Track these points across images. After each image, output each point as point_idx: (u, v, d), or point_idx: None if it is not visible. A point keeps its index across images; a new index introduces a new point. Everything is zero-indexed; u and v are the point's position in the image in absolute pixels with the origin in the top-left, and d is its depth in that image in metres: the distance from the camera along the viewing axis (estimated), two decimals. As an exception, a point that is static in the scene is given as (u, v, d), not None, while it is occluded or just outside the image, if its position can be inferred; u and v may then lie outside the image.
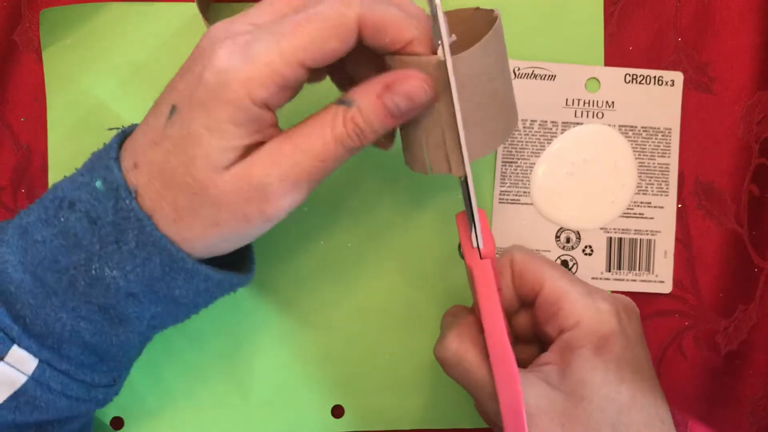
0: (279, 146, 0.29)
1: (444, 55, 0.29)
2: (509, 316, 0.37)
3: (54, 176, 0.42)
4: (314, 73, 0.31)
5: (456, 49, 0.30)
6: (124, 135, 0.32)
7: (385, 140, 0.35)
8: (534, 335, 0.37)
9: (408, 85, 0.29)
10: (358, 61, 0.33)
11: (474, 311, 0.36)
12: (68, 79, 0.42)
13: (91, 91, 0.42)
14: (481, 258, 0.33)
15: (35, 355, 0.31)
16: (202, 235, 0.30)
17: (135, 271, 0.30)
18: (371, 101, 0.29)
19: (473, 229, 0.33)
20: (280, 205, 0.29)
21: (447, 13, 0.33)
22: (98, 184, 0.30)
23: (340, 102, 0.30)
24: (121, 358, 0.33)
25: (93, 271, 0.30)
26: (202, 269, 0.30)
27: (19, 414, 0.32)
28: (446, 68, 0.30)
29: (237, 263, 0.34)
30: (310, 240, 0.43)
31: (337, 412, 0.43)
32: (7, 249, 0.31)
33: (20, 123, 0.43)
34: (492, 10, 0.33)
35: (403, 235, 0.43)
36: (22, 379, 0.31)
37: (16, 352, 0.31)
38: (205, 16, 0.40)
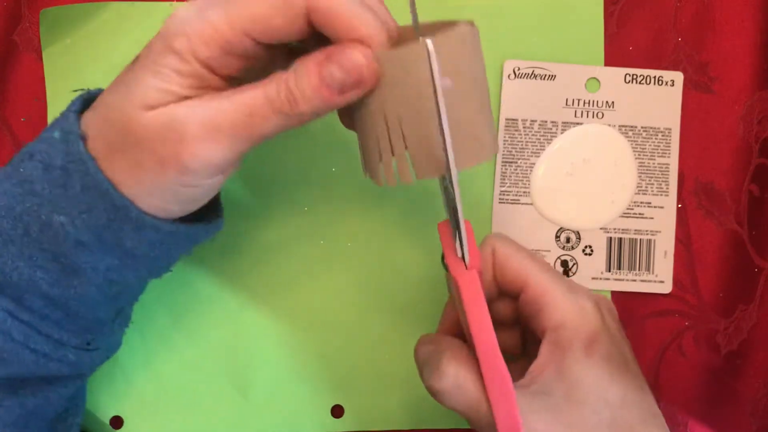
0: (212, 95, 0.29)
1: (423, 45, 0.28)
2: (489, 304, 0.35)
3: (54, 176, 0.42)
4: (276, 50, 0.31)
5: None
6: (90, 94, 0.33)
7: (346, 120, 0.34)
8: (515, 320, 0.36)
9: (345, 55, 0.28)
10: None
11: (449, 329, 0.36)
12: (68, 79, 0.42)
13: (91, 91, 0.42)
14: (467, 268, 0.31)
15: None
16: (126, 179, 0.30)
17: (81, 217, 0.30)
18: (308, 67, 0.29)
19: (458, 240, 0.31)
20: (195, 151, 0.29)
21: (441, 22, 0.32)
22: (56, 134, 0.31)
23: (287, 69, 0.30)
24: (85, 315, 0.33)
25: (43, 217, 0.30)
26: (147, 219, 0.30)
27: None
28: (384, 61, 0.28)
29: (204, 216, 0.34)
30: (310, 240, 0.43)
31: (337, 411, 0.43)
32: None
33: (20, 123, 0.43)
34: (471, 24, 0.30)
35: (405, 235, 0.43)
36: None
37: None
38: (205, 16, 0.40)
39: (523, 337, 0.37)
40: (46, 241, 0.31)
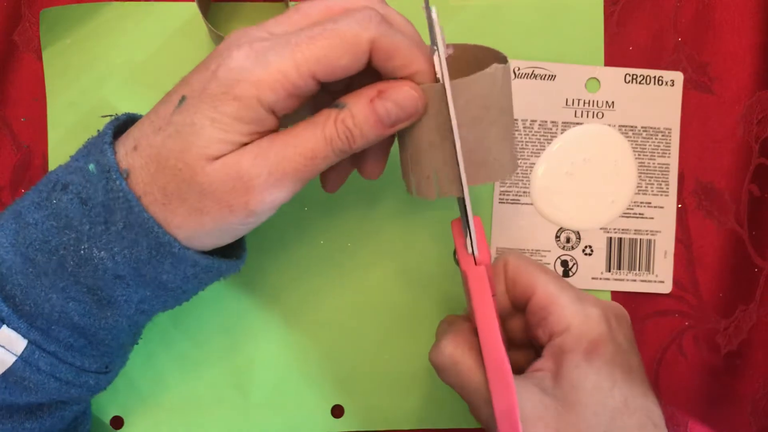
0: (270, 141, 0.30)
1: (440, 69, 0.30)
2: (503, 320, 0.37)
3: (54, 176, 0.42)
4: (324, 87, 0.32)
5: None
6: (118, 122, 0.33)
7: (372, 164, 0.36)
8: (528, 340, 0.37)
9: (399, 92, 0.30)
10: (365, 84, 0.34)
11: (469, 318, 0.37)
12: (68, 79, 0.42)
13: (91, 91, 0.42)
14: (476, 264, 0.33)
15: (24, 336, 0.31)
16: (186, 222, 0.30)
17: (122, 253, 0.30)
18: (363, 105, 0.30)
19: (468, 236, 0.33)
20: (263, 199, 0.30)
21: (465, 46, 0.34)
22: (91, 167, 0.31)
23: (335, 105, 0.31)
24: (110, 342, 0.34)
25: (82, 251, 0.30)
26: (189, 254, 0.31)
27: (8, 394, 0.32)
28: (430, 89, 0.30)
29: (228, 250, 0.35)
30: (310, 240, 0.43)
31: (337, 412, 0.43)
32: (0, 232, 0.32)
33: (20, 123, 0.43)
34: (504, 59, 0.32)
35: (404, 235, 0.43)
36: (11, 360, 0.31)
37: (5, 333, 0.31)
38: (205, 16, 0.40)
39: (535, 357, 0.38)
40: (83, 274, 0.31)
